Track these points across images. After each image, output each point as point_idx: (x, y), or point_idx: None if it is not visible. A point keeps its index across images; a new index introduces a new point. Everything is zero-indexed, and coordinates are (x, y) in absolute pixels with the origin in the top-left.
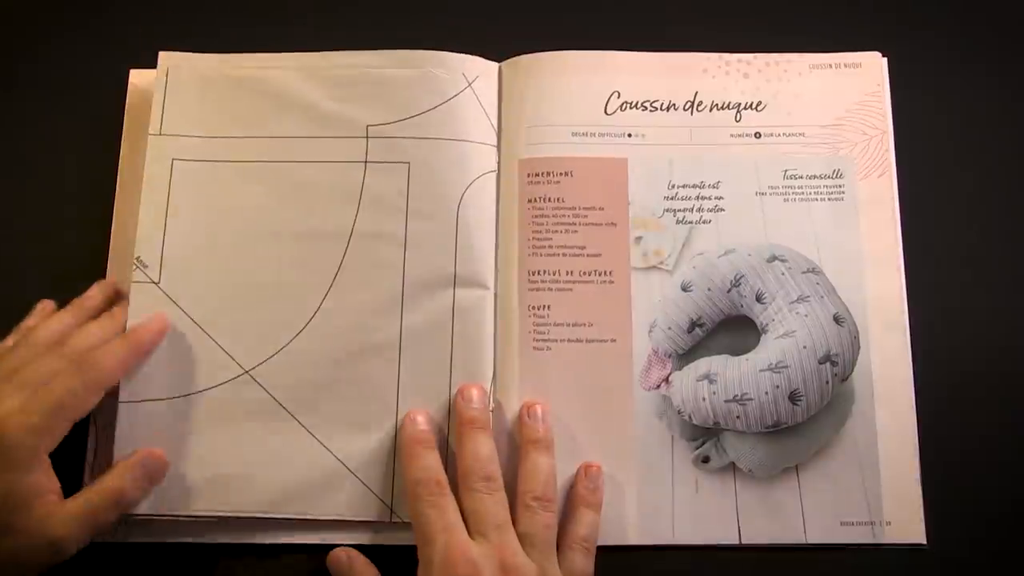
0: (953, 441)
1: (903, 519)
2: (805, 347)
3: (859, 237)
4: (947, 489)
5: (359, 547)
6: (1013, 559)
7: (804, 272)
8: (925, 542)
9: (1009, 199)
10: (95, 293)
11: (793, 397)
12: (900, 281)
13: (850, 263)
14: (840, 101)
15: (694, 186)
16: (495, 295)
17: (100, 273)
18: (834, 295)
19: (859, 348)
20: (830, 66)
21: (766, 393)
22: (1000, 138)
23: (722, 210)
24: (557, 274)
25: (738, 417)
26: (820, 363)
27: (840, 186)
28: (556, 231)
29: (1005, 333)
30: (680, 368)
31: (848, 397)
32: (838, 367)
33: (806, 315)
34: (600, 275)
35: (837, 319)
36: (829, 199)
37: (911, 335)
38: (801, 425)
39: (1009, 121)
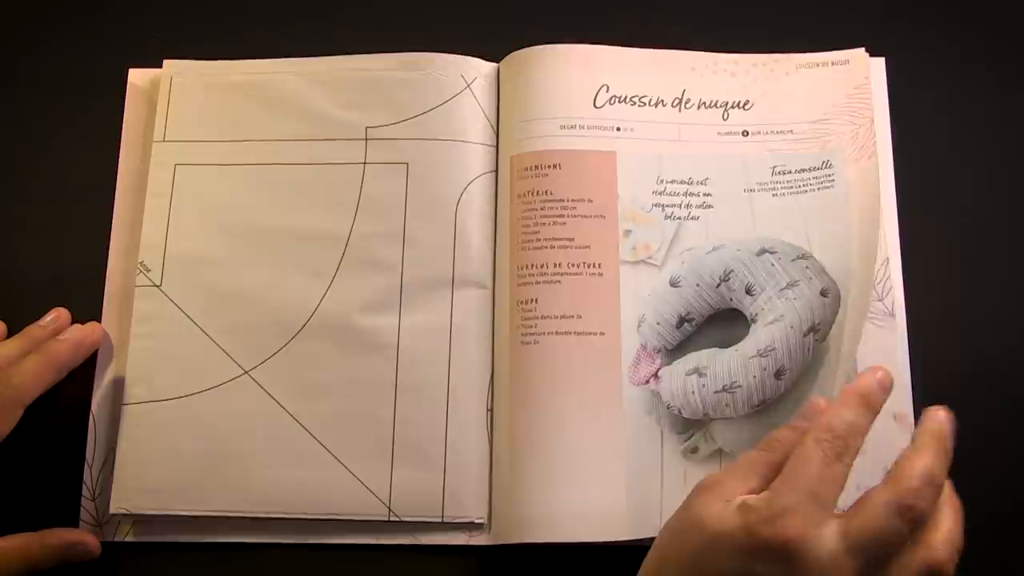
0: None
1: None
2: (792, 327)
3: (848, 213)
4: None
5: (359, 547)
6: (1011, 559)
7: (794, 260)
8: None
9: (1009, 198)
10: (47, 323)
11: (778, 374)
12: (887, 248)
13: (838, 242)
14: (827, 98)
15: (682, 182)
16: (492, 294)
17: (100, 273)
18: (823, 275)
19: (838, 308)
20: (817, 65)
21: (754, 377)
22: (1000, 137)
23: (711, 207)
24: (545, 267)
25: (727, 405)
26: (804, 336)
27: (830, 176)
28: (544, 223)
29: (1004, 333)
30: (669, 363)
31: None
32: (819, 333)
33: (795, 298)
34: (589, 267)
35: (823, 292)
36: (819, 188)
37: (909, 335)
38: (784, 398)
39: (1009, 120)
